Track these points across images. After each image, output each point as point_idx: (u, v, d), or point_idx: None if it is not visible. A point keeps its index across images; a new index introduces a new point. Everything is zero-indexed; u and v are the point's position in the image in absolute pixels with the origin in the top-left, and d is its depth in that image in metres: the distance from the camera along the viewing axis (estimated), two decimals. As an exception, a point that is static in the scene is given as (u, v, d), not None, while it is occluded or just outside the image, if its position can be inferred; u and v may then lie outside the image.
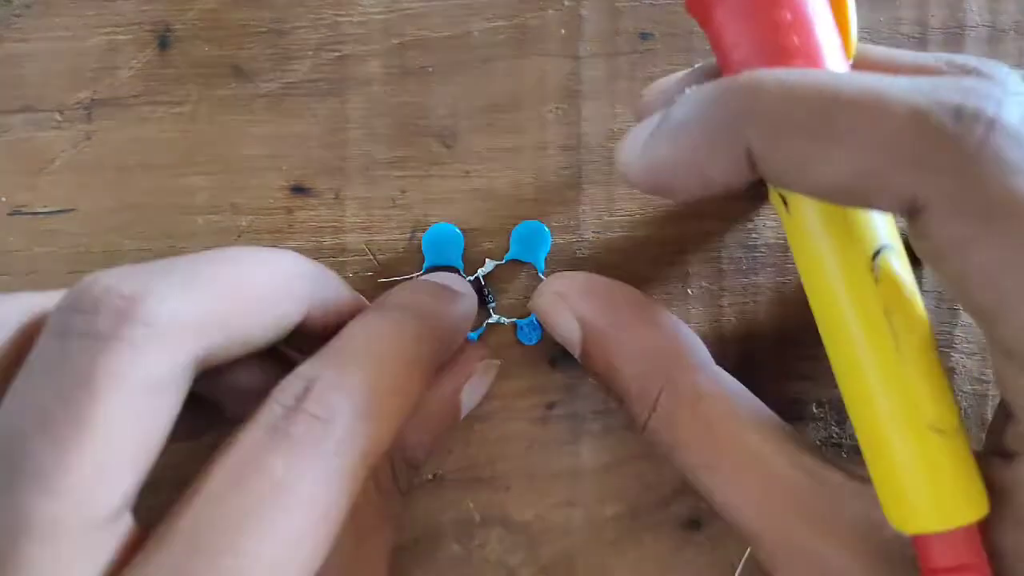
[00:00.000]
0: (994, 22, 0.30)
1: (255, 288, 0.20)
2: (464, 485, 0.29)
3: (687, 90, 0.20)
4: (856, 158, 0.17)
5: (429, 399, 0.25)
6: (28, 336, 0.19)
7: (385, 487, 0.24)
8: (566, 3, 0.29)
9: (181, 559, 0.17)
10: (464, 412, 0.27)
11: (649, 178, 0.21)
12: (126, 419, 0.17)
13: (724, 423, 0.23)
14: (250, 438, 0.18)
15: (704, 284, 0.30)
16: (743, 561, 0.30)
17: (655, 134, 0.20)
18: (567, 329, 0.25)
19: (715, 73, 0.23)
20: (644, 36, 0.29)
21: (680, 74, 0.25)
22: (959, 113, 0.16)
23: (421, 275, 0.29)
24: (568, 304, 0.25)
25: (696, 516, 0.30)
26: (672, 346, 0.24)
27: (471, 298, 0.26)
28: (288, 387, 0.19)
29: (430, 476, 0.29)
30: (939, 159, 0.17)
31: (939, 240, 0.18)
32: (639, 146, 0.20)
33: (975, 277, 0.17)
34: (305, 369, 0.20)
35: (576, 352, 0.25)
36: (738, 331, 0.30)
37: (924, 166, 0.17)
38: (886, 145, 0.17)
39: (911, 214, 0.18)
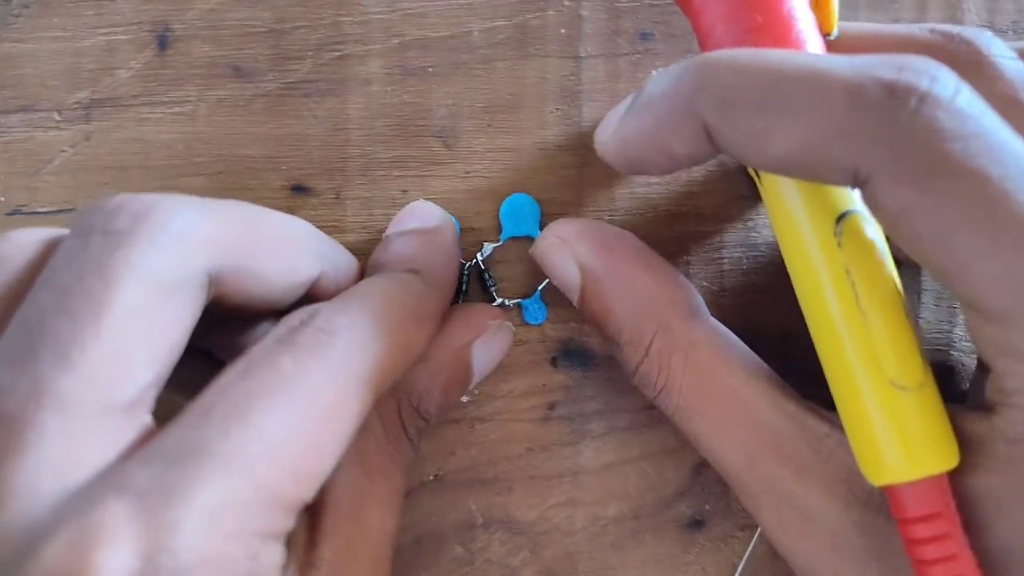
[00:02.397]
0: (992, 22, 0.30)
1: (271, 228, 0.21)
2: (466, 486, 0.29)
3: (654, 71, 0.21)
4: (799, 133, 0.18)
5: (439, 349, 0.25)
6: (46, 256, 0.19)
7: (393, 432, 0.24)
8: (566, 3, 0.29)
9: (192, 430, 0.17)
10: (478, 375, 0.26)
11: (621, 154, 0.22)
12: (141, 309, 0.17)
13: (714, 369, 0.24)
14: (260, 346, 0.19)
15: (704, 284, 0.30)
16: (743, 561, 0.30)
17: (625, 113, 0.22)
18: (567, 272, 0.25)
19: None
20: (644, 36, 0.29)
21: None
22: (892, 88, 0.18)
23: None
24: (569, 248, 0.25)
25: (698, 516, 0.30)
26: (668, 292, 0.25)
27: (447, 225, 0.27)
28: (295, 315, 0.20)
29: (431, 477, 0.29)
30: (875, 131, 0.18)
31: (887, 208, 0.18)
32: (612, 125, 0.22)
33: (926, 241, 0.18)
34: (311, 306, 0.21)
35: (574, 297, 0.26)
36: (738, 331, 0.30)
37: (861, 138, 0.18)
38: (826, 120, 0.18)
39: (861, 186, 0.19)
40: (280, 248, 0.21)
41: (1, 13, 0.28)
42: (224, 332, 0.24)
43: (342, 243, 0.29)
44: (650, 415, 0.30)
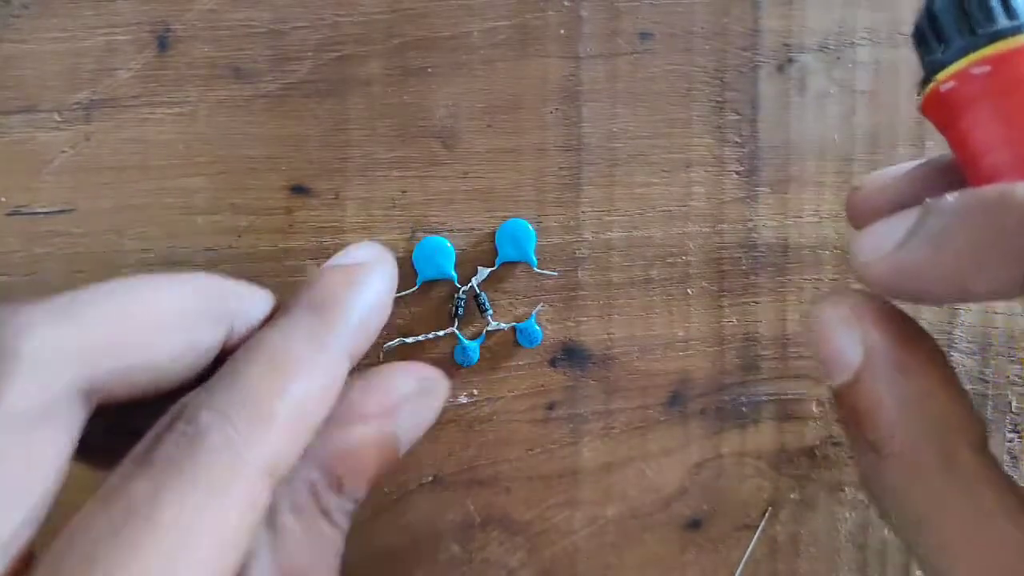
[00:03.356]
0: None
1: (148, 312, 0.19)
2: (464, 486, 0.29)
3: (948, 197, 0.19)
4: None
5: (357, 417, 0.22)
6: None
7: (311, 521, 0.21)
8: (566, 3, 0.29)
9: None
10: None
11: (897, 281, 0.20)
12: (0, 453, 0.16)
13: (992, 517, 0.21)
14: (119, 467, 0.17)
15: (704, 284, 0.30)
16: (743, 562, 0.30)
17: (911, 239, 0.19)
18: (846, 350, 0.22)
19: (949, 170, 0.22)
20: (644, 36, 0.29)
21: (905, 168, 0.23)
22: None
23: (415, 290, 0.29)
24: (860, 327, 0.22)
25: (697, 516, 0.30)
26: (963, 414, 0.22)
27: (379, 263, 0.22)
28: (167, 414, 0.18)
29: (429, 478, 0.29)
30: None
31: None
32: (887, 247, 0.19)
33: None
34: (184, 398, 0.18)
35: (840, 377, 0.22)
36: (738, 331, 0.30)
37: None
38: None
39: None
40: (166, 329, 0.19)
41: (1, 14, 0.28)
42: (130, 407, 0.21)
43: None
44: (648, 415, 0.30)
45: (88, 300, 0.18)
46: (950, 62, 0.20)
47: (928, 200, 0.19)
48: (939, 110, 0.20)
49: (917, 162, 0.23)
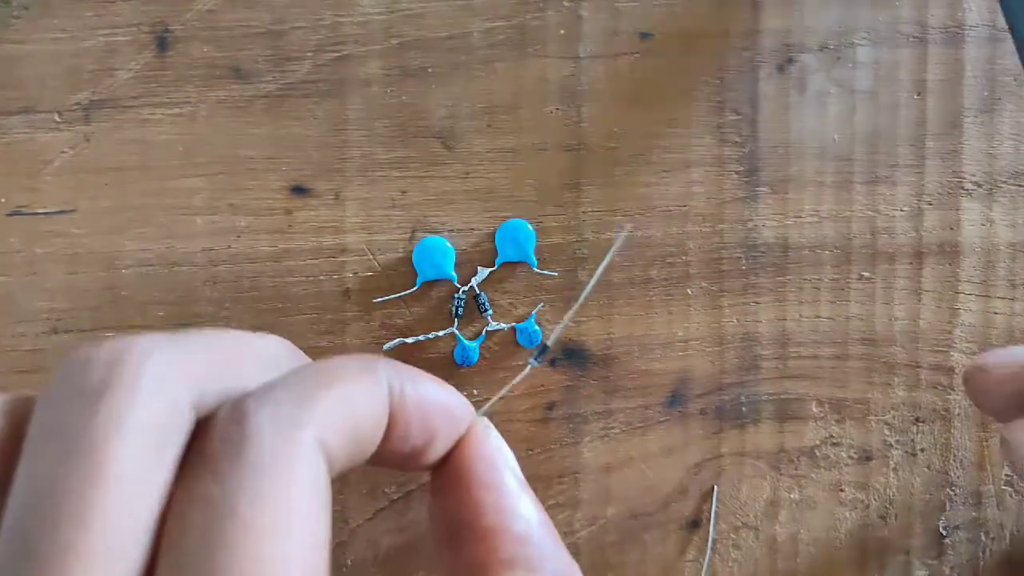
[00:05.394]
0: (994, 22, 0.30)
1: (253, 348, 0.20)
2: (464, 486, 0.29)
3: None
4: None
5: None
6: (15, 427, 0.17)
7: None
8: (566, 3, 0.29)
9: None
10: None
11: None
12: (138, 471, 0.16)
13: None
14: (182, 478, 0.17)
15: (704, 284, 0.30)
16: (707, 559, 0.30)
17: None
18: None
19: None
20: (644, 36, 0.29)
21: None
22: None
23: (415, 290, 0.29)
24: None
25: (697, 516, 0.30)
26: None
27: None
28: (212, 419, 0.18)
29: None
30: None
31: None
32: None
33: None
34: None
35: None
36: (738, 331, 0.30)
37: None
38: None
39: None
40: (259, 363, 0.20)
41: (1, 14, 0.28)
42: None
43: (341, 243, 0.29)
44: (648, 415, 0.30)
45: (197, 332, 0.19)
46: None
47: None
48: None
49: None
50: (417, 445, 0.20)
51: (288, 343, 0.21)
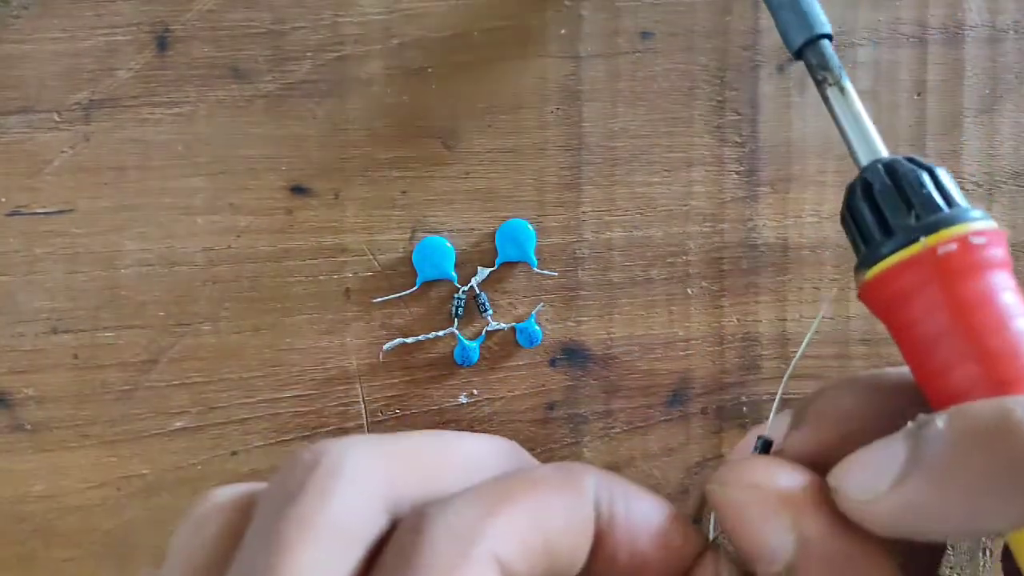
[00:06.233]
0: (994, 22, 0.30)
1: (462, 451, 0.19)
2: (465, 486, 0.29)
3: (937, 421, 0.17)
4: None
5: None
6: (243, 518, 0.18)
7: None
8: (566, 3, 0.29)
9: None
10: None
11: (901, 524, 0.17)
12: (323, 567, 0.16)
13: None
14: None
15: (704, 284, 0.30)
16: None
17: (909, 475, 0.17)
18: (773, 543, 0.18)
19: (900, 387, 0.20)
20: (644, 36, 0.29)
21: (851, 383, 0.21)
22: None
23: (415, 290, 0.29)
24: (791, 512, 0.18)
25: (696, 516, 0.30)
26: None
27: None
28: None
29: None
30: None
31: None
32: (883, 485, 0.17)
33: None
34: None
35: (769, 571, 0.18)
36: (738, 331, 0.30)
37: None
38: None
39: None
40: (472, 469, 0.19)
41: (1, 14, 0.28)
42: None
43: (341, 243, 0.29)
44: (648, 415, 0.30)
45: (403, 434, 0.19)
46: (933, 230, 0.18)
47: (912, 424, 0.17)
48: (881, 304, 0.19)
49: (858, 377, 0.21)
50: (625, 573, 0.18)
51: (510, 444, 0.20)
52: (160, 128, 0.28)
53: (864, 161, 0.21)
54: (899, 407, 0.18)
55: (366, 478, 0.17)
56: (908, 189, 0.19)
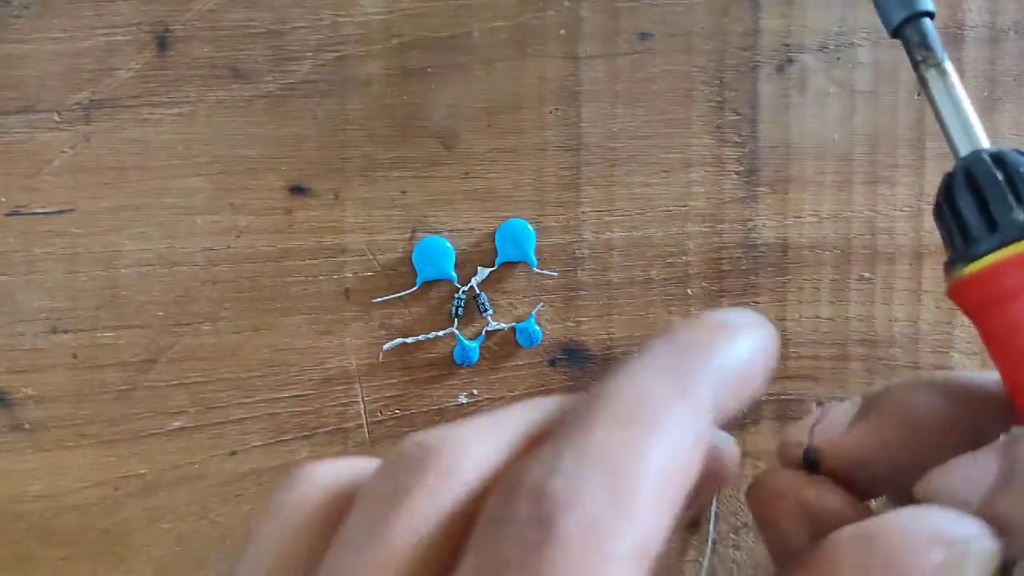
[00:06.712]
0: (994, 22, 0.30)
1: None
2: (464, 486, 0.29)
3: None
4: None
5: None
6: (342, 506, 0.16)
7: None
8: (566, 3, 0.29)
9: None
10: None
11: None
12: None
13: None
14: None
15: (704, 284, 0.30)
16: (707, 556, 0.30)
17: (1002, 491, 0.17)
18: (795, 545, 0.18)
19: (976, 393, 0.19)
20: (644, 36, 0.29)
21: (926, 383, 0.20)
22: None
23: (415, 290, 0.29)
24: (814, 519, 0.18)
25: (696, 517, 0.30)
26: None
27: (765, 332, 0.17)
28: (499, 490, 0.15)
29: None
30: None
31: None
32: (973, 498, 0.17)
33: None
34: (525, 461, 0.15)
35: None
36: (738, 331, 0.30)
37: None
38: None
39: None
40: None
41: (1, 14, 0.28)
42: None
43: (341, 244, 0.29)
44: (649, 416, 0.30)
45: (504, 413, 0.17)
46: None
47: (1005, 438, 0.17)
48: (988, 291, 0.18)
49: (933, 378, 0.20)
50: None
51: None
52: (160, 128, 0.28)
53: (964, 150, 0.19)
54: (973, 414, 0.18)
55: (477, 471, 0.15)
56: (1020, 181, 0.18)
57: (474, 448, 0.16)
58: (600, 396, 0.15)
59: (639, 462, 0.14)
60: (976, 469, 0.17)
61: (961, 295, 0.18)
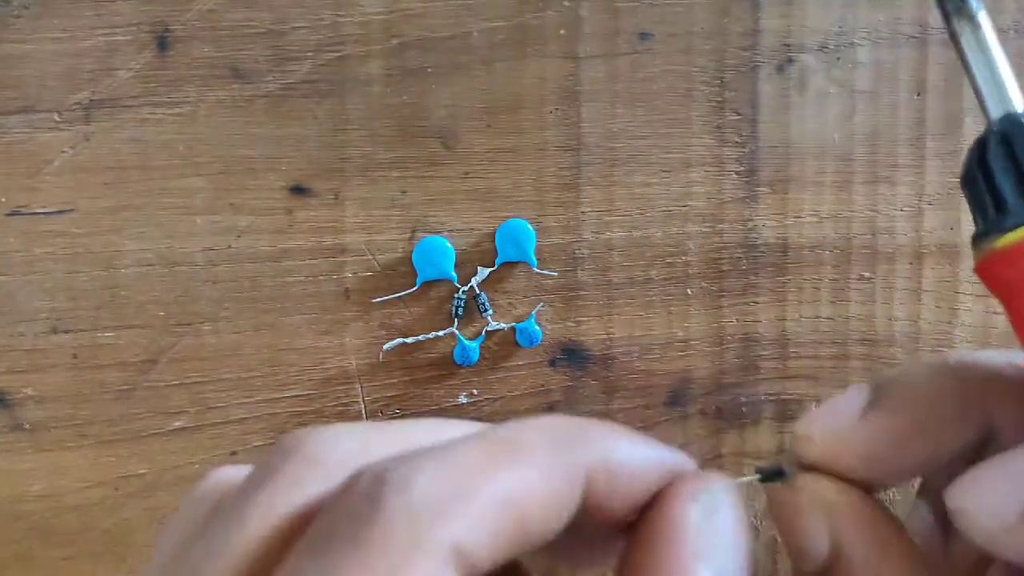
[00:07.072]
0: (994, 22, 0.30)
1: (451, 432, 0.17)
2: (464, 486, 0.29)
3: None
4: None
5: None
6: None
7: None
8: (566, 3, 0.29)
9: None
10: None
11: (861, 457, 0.18)
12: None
13: None
14: (292, 554, 0.16)
15: (704, 284, 0.30)
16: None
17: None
18: (812, 542, 0.19)
19: (988, 374, 0.19)
20: (644, 36, 0.29)
21: (936, 368, 0.19)
22: None
23: (415, 290, 0.29)
24: (835, 520, 0.19)
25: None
26: None
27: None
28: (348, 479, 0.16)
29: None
30: None
31: None
32: (1012, 509, 0.16)
33: None
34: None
35: (803, 562, 0.19)
36: (738, 331, 0.30)
37: None
38: None
39: None
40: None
41: (1, 14, 0.28)
42: None
43: (341, 244, 0.29)
44: (648, 415, 0.30)
45: (392, 424, 0.18)
46: None
47: None
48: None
49: (944, 362, 0.19)
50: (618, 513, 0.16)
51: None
52: (160, 128, 0.28)
53: (996, 113, 0.18)
54: (986, 398, 0.17)
55: (341, 466, 0.16)
56: None
57: (345, 445, 0.16)
58: (475, 434, 0.15)
59: (481, 480, 0.14)
60: (1013, 476, 0.16)
61: (991, 271, 0.17)
